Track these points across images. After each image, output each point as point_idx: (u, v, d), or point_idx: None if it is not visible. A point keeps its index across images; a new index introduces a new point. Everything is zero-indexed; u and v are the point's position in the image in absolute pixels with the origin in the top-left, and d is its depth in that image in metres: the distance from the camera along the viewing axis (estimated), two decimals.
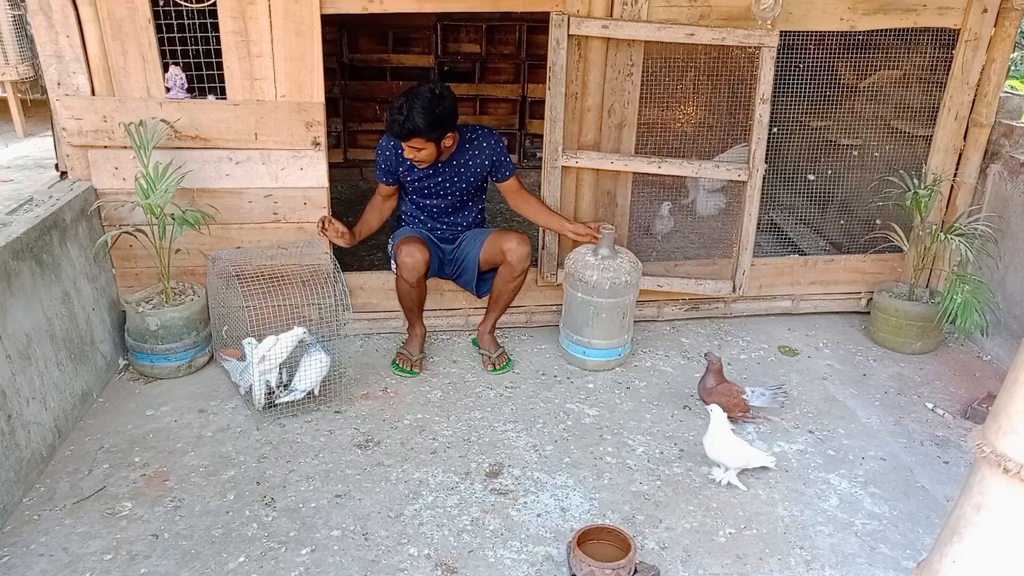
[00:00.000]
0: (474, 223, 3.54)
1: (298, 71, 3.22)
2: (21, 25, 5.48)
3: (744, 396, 3.08)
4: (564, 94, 3.39)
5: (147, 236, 3.19)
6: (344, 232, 3.31)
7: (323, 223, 3.30)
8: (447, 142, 3.15)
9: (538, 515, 2.62)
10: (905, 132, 3.95)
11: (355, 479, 2.77)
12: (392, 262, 3.40)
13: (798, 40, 3.60)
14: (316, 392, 3.11)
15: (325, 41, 3.23)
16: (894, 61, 3.95)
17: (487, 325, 3.54)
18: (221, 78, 3.22)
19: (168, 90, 3.21)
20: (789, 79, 3.69)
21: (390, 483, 2.76)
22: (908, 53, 3.83)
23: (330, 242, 3.41)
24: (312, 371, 3.04)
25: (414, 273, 3.23)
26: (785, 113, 3.79)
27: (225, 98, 3.25)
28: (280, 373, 3.10)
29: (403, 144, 3.11)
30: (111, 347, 3.36)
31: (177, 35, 3.16)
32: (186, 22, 3.16)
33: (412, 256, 3.21)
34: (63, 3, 3.04)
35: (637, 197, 3.77)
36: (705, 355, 3.18)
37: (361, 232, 3.41)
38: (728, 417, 2.82)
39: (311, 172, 3.39)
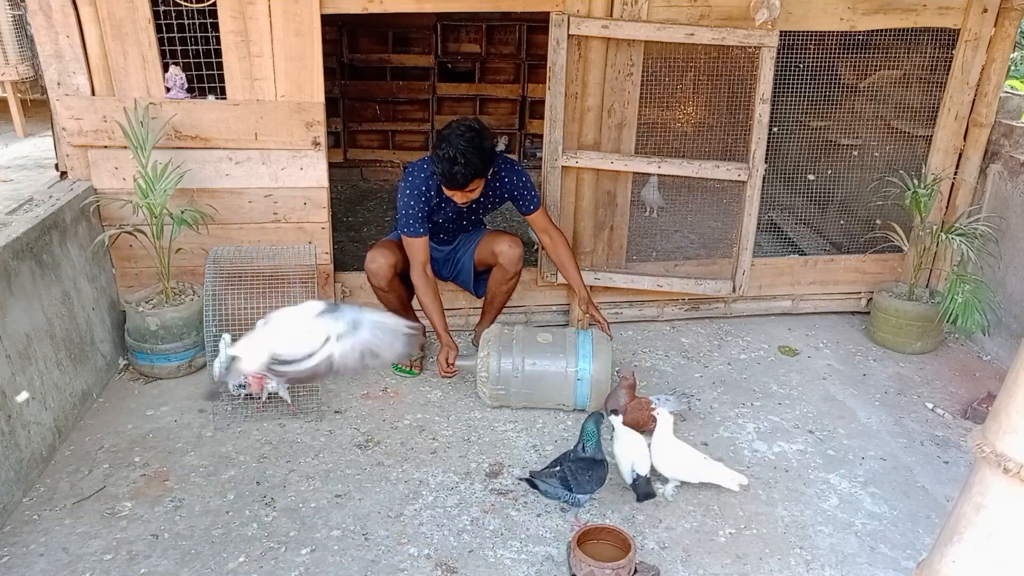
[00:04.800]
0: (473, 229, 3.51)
1: (298, 71, 3.23)
2: (21, 25, 5.49)
3: (653, 410, 2.89)
4: (564, 94, 3.39)
5: (147, 236, 3.20)
6: (455, 348, 3.24)
7: (446, 364, 3.21)
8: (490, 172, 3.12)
9: (538, 515, 2.62)
10: (905, 132, 3.95)
11: (355, 479, 2.77)
12: None
13: (798, 40, 3.60)
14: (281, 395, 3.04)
15: (325, 41, 3.23)
16: (894, 61, 3.95)
17: (483, 327, 3.53)
18: (221, 78, 3.22)
19: (168, 90, 3.22)
20: (789, 79, 3.69)
21: (390, 483, 2.76)
22: (908, 53, 3.83)
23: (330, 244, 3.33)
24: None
25: (380, 279, 3.23)
26: (785, 113, 3.79)
27: (225, 98, 3.25)
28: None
29: (457, 192, 3.01)
30: (111, 347, 3.36)
31: (177, 35, 3.16)
32: (186, 22, 3.16)
33: (375, 261, 3.21)
34: (63, 3, 3.05)
35: (637, 197, 3.77)
36: (618, 371, 3.01)
37: (447, 326, 3.27)
38: (641, 430, 2.78)
39: (311, 172, 3.39)
